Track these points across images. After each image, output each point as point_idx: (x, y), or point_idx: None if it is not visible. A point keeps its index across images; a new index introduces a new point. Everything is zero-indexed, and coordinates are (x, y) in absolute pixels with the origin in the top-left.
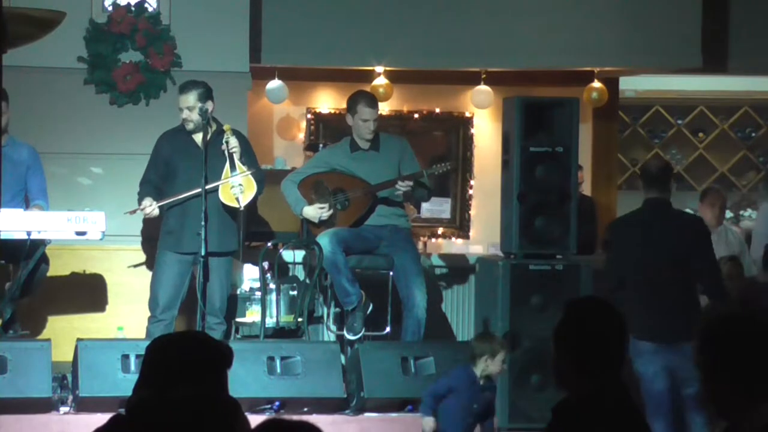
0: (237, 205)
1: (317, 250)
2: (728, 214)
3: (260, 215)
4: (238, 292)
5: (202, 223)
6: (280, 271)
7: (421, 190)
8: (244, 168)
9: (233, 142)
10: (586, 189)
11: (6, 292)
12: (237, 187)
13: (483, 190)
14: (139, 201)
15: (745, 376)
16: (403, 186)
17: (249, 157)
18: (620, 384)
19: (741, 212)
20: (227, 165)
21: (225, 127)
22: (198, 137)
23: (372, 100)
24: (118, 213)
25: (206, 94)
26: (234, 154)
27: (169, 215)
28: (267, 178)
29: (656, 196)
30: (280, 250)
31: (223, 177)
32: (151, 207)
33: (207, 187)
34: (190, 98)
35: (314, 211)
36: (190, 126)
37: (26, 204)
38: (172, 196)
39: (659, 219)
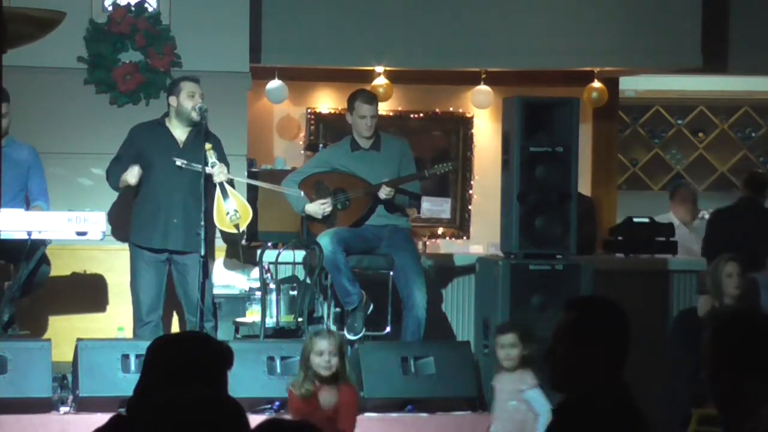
0: (236, 232)
1: (317, 250)
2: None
3: (260, 215)
4: (238, 291)
5: (202, 223)
6: (279, 271)
7: (401, 197)
8: (236, 192)
9: (219, 170)
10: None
11: (6, 292)
12: (233, 214)
13: (483, 190)
14: (115, 180)
15: (752, 376)
16: (384, 193)
17: (222, 159)
18: (621, 384)
19: None
20: (218, 193)
21: (206, 147)
22: (177, 132)
23: (370, 97)
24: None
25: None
26: (224, 183)
27: (141, 209)
28: (267, 178)
29: (749, 196)
30: (280, 250)
31: (216, 206)
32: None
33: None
34: (200, 87)
35: (316, 207)
36: (194, 116)
37: (26, 204)
38: (146, 189)
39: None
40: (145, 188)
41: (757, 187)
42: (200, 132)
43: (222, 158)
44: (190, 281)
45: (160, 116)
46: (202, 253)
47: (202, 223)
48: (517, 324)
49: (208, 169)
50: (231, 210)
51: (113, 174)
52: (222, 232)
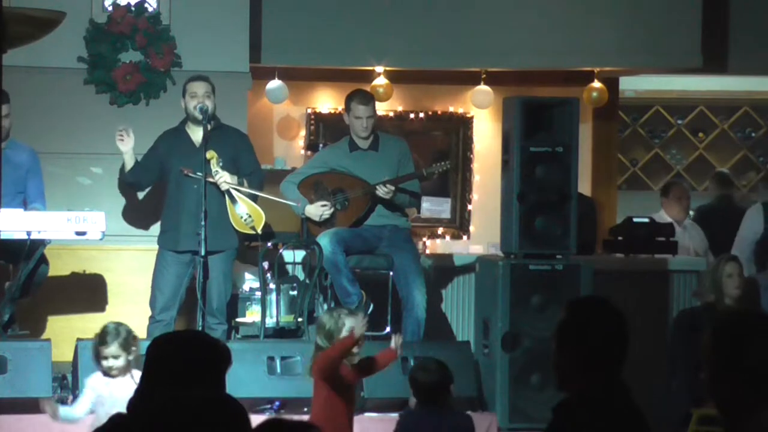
0: (254, 233)
1: (317, 250)
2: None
3: None
4: (239, 292)
5: (202, 223)
6: (280, 271)
7: (401, 195)
8: (244, 197)
9: (223, 177)
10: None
11: (6, 292)
12: (247, 219)
13: (483, 190)
14: (121, 174)
15: (752, 377)
16: (383, 192)
17: (249, 157)
18: (621, 384)
19: None
20: (227, 200)
21: (208, 155)
22: (195, 134)
23: (365, 98)
24: (118, 213)
25: (213, 91)
26: (230, 189)
27: (165, 213)
28: (267, 178)
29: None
30: (280, 250)
31: (230, 212)
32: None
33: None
34: (207, 86)
35: (316, 210)
36: (197, 114)
37: (24, 207)
38: (169, 193)
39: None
40: (168, 192)
41: (727, 183)
42: (219, 130)
43: (247, 155)
44: (212, 282)
45: (178, 122)
46: (202, 253)
47: (203, 223)
48: (120, 332)
49: (210, 179)
50: (244, 215)
51: (120, 170)
52: (240, 233)
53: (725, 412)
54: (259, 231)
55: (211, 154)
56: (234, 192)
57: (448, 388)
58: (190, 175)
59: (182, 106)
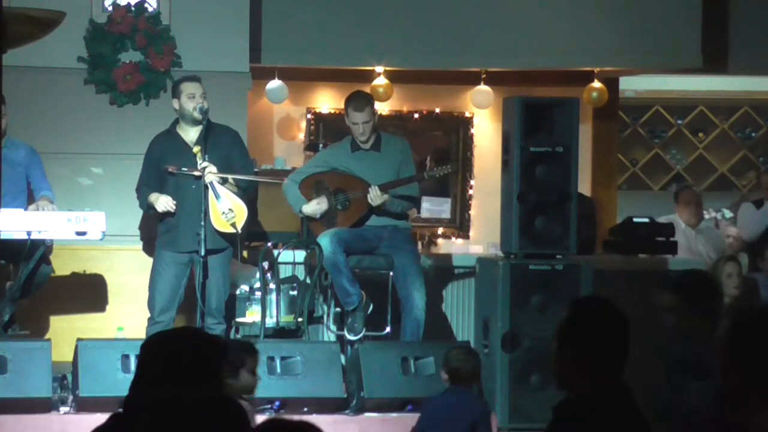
0: (234, 231)
1: (317, 250)
2: (728, 214)
3: (260, 215)
4: (238, 292)
5: (202, 223)
6: (280, 271)
7: (395, 201)
8: (229, 192)
9: (209, 168)
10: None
11: (6, 292)
12: (228, 213)
13: (483, 190)
14: (143, 202)
15: (764, 372)
16: (371, 198)
17: (241, 154)
18: (622, 384)
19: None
20: (211, 194)
21: (195, 150)
22: (187, 135)
23: (360, 104)
24: (119, 213)
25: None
26: (213, 183)
27: (165, 214)
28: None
29: None
30: (280, 250)
31: (210, 208)
32: (166, 199)
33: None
34: (202, 87)
35: (312, 207)
36: (197, 115)
37: (28, 201)
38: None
39: None
40: (166, 195)
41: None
42: (212, 129)
43: (240, 152)
44: (211, 282)
45: (170, 124)
46: (202, 253)
47: (202, 223)
48: None
49: (196, 172)
50: (225, 209)
51: (141, 198)
52: (222, 234)
53: (733, 408)
54: (240, 228)
55: (197, 148)
56: (218, 186)
57: (480, 374)
58: (174, 172)
59: (175, 107)
